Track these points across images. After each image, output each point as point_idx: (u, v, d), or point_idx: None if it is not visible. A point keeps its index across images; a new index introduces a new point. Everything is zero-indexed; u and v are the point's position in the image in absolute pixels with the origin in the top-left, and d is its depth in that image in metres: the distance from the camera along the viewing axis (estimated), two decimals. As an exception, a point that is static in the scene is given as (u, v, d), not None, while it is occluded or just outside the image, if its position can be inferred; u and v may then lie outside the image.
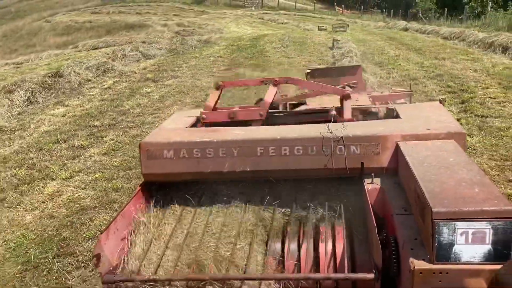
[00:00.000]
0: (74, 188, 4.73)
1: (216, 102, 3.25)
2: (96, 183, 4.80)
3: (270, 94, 3.10)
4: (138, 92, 8.74)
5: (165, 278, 2.18)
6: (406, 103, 3.81)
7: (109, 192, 4.54)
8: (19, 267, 3.44)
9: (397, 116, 2.85)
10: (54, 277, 3.27)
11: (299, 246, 2.24)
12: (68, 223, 4.01)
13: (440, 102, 3.09)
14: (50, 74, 9.31)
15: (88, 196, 4.50)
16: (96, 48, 17.80)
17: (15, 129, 7.01)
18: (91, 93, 8.97)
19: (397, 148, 2.28)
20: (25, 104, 8.17)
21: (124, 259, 2.34)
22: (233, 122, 3.09)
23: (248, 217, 2.49)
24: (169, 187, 2.71)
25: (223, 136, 2.59)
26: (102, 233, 2.23)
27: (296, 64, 10.59)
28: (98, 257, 2.19)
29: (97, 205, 4.28)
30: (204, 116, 3.11)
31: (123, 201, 4.30)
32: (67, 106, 8.18)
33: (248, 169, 2.49)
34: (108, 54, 12.25)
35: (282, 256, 2.23)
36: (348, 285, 2.14)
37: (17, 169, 5.38)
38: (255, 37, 17.43)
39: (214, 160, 2.51)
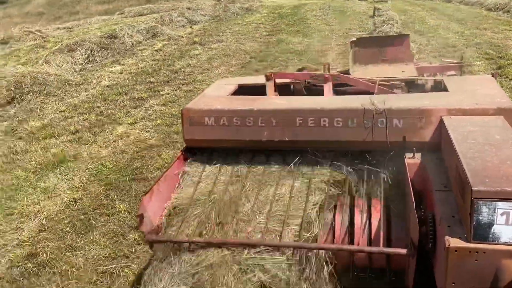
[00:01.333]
0: (140, 131, 5.42)
1: (275, 92, 3.14)
2: (158, 127, 5.46)
3: (328, 91, 2.98)
4: (187, 54, 9.33)
5: (203, 241, 2.25)
6: (456, 75, 3.68)
7: (170, 135, 5.19)
8: (102, 187, 4.16)
9: (445, 89, 2.76)
10: (132, 195, 3.97)
11: (334, 217, 2.25)
12: (139, 157, 4.70)
13: (493, 76, 2.96)
14: (106, 36, 10.03)
15: (153, 137, 5.18)
16: (142, 15, 18.42)
17: (79, 83, 7.79)
18: (143, 54, 9.64)
19: (442, 122, 2.19)
20: (85, 62, 8.94)
21: (165, 220, 2.43)
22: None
23: (284, 183, 2.49)
24: (209, 153, 2.76)
25: (262, 105, 2.61)
26: (145, 194, 2.34)
27: (336, 31, 10.85)
28: (141, 217, 2.28)
29: (162, 144, 4.94)
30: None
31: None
32: (123, 65, 8.89)
33: (286, 139, 2.50)
34: (156, 19, 12.87)
35: (317, 226, 2.23)
36: (381, 259, 2.14)
37: (87, 114, 6.14)
38: (295, 6, 17.58)
39: (253, 128, 2.53)
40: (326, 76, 3.04)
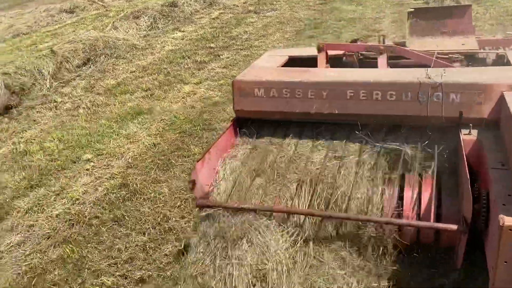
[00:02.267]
0: (205, 89, 5.92)
1: (326, 64, 3.11)
2: (221, 87, 5.93)
3: (382, 64, 2.92)
4: (243, 22, 9.69)
5: (251, 207, 2.31)
6: None
7: (233, 93, 5.66)
8: (177, 135, 4.70)
9: (507, 63, 2.65)
10: (204, 141, 4.49)
11: (384, 190, 2.23)
12: (206, 111, 5.20)
13: None
14: (166, 4, 10.56)
15: (217, 95, 5.66)
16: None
17: (145, 48, 8.38)
18: (201, 22, 10.10)
19: (502, 98, 2.09)
20: (148, 28, 9.52)
21: (216, 186, 2.52)
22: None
23: (331, 157, 2.49)
24: (259, 123, 2.81)
25: (313, 77, 2.58)
26: (197, 161, 2.43)
27: (391, 1, 10.80)
28: (193, 183, 2.37)
29: (226, 101, 5.41)
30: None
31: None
32: (183, 31, 9.40)
33: (336, 112, 2.46)
34: (211, -12, 13.23)
35: (365, 200, 2.23)
36: (430, 235, 2.11)
37: (156, 75, 6.72)
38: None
39: (303, 100, 2.51)
40: (381, 48, 2.96)
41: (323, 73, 2.69)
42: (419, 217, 2.10)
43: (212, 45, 8.09)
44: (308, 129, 2.72)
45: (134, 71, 7.04)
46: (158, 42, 8.66)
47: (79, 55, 7.47)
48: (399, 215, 2.14)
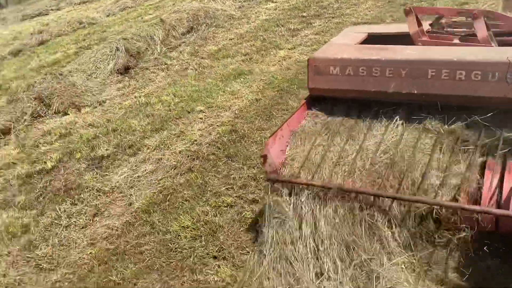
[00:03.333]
0: (299, 54, 6.33)
1: (419, 28, 2.95)
2: (314, 51, 6.30)
3: (480, 30, 2.69)
4: (333, -8, 9.88)
5: (320, 184, 2.33)
6: None
7: (327, 57, 6.02)
8: (276, 92, 5.20)
9: None
10: (301, 97, 4.93)
11: (463, 176, 2.13)
12: (301, 72, 5.62)
13: None
14: (259, -24, 11.02)
15: (311, 59, 6.05)
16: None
17: (241, 18, 8.96)
18: (292, -7, 10.45)
19: None
20: (243, 0, 10.08)
21: (287, 162, 2.55)
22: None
23: (408, 139, 2.42)
24: (333, 102, 2.78)
25: (391, 55, 2.48)
26: (269, 138, 2.50)
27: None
28: (264, 158, 2.44)
29: (320, 63, 5.79)
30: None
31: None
32: (275, 2, 9.80)
33: (415, 92, 2.35)
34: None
35: (440, 184, 2.14)
36: (509, 224, 2.00)
37: (253, 41, 7.25)
38: None
39: (380, 79, 2.42)
40: (476, 12, 2.68)
41: (403, 51, 2.54)
42: (498, 205, 2.00)
43: (304, 14, 8.42)
44: (384, 107, 2.62)
45: (232, 38, 7.64)
46: (252, 13, 9.18)
47: (183, 23, 8.24)
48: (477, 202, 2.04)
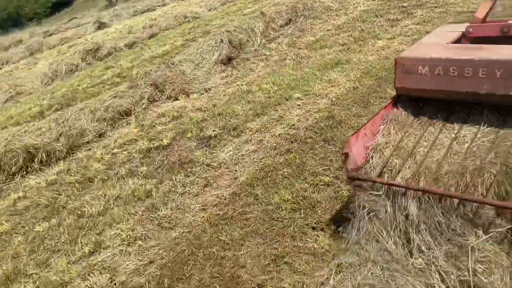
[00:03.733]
0: (398, 44, 6.31)
1: (487, 14, 2.93)
2: (415, 41, 6.23)
3: None
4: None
5: (402, 185, 2.29)
6: None
7: (427, 46, 5.93)
8: (373, 80, 5.29)
9: None
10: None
11: None
12: (400, 62, 5.64)
13: None
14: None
15: (410, 49, 6.01)
16: None
17: (338, 9, 9.07)
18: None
19: None
20: (341, -9, 10.14)
21: (368, 161, 2.53)
22: (506, 37, 2.78)
23: (500, 144, 2.32)
24: (419, 103, 2.73)
25: (486, 55, 2.36)
26: (352, 135, 2.49)
27: None
28: (346, 155, 2.43)
29: (420, 53, 5.74)
30: (470, 29, 2.89)
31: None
32: (374, -7, 9.75)
33: (511, 94, 2.24)
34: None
35: None
36: None
37: (350, 32, 7.35)
38: None
39: (472, 80, 2.33)
40: None
41: (500, 51, 2.40)
42: None
43: (404, 4, 8.28)
44: (474, 111, 2.53)
45: (330, 29, 7.81)
46: (350, 4, 9.22)
47: (282, 16, 8.58)
48: None
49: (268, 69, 6.70)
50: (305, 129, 4.58)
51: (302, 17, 8.63)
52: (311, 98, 5.28)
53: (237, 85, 6.41)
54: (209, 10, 13.48)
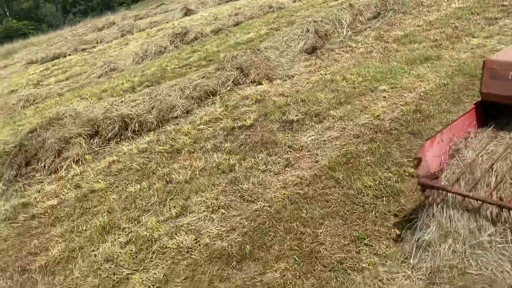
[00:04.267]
0: (495, 43, 5.96)
1: None
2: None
3: None
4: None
5: (477, 198, 2.14)
6: None
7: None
8: (465, 79, 5.07)
9: None
10: (495, 86, 4.75)
11: None
12: (498, 61, 5.35)
13: None
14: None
15: None
16: None
17: (431, 5, 8.72)
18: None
19: None
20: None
21: (443, 169, 2.38)
22: None
23: None
24: (508, 111, 2.54)
25: None
26: (427, 140, 2.37)
27: None
28: (419, 160, 2.31)
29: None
30: None
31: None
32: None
33: None
34: None
35: None
36: None
37: (443, 28, 7.07)
38: None
39: None
40: None
41: None
42: None
43: (505, 3, 7.77)
44: None
45: (420, 25, 7.55)
46: (444, 0, 8.83)
47: (371, 9, 8.44)
48: None
49: (353, 61, 6.66)
50: (390, 120, 4.53)
51: (392, 11, 8.42)
52: (397, 91, 5.19)
53: (321, 74, 6.45)
54: (294, 2, 13.55)
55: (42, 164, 5.22)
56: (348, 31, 7.88)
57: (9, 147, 5.24)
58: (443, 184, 2.39)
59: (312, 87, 5.98)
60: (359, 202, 3.38)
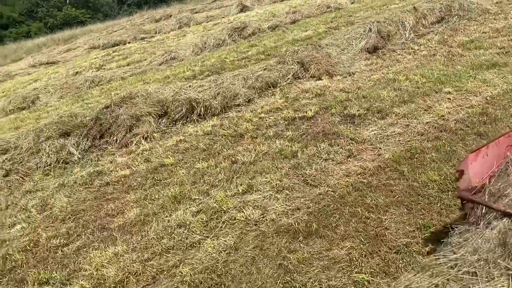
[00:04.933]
0: None
1: None
2: None
3: None
4: None
5: None
6: None
7: None
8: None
9: None
10: None
11: None
12: None
13: None
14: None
15: None
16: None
17: (497, 13, 8.55)
18: None
19: None
20: (502, -5, 9.50)
21: (486, 184, 2.33)
22: None
23: None
24: None
25: None
26: (471, 152, 2.34)
27: None
28: (461, 172, 2.29)
29: None
30: None
31: None
32: (542, -1, 8.98)
33: None
34: None
35: None
36: None
37: (511, 36, 6.95)
38: None
39: None
40: None
41: None
42: None
43: None
44: None
45: (486, 32, 7.44)
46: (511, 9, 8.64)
47: (435, 14, 8.37)
48: None
49: (416, 62, 6.67)
50: (455, 121, 4.57)
51: (456, 16, 8.32)
52: (462, 94, 5.20)
53: (383, 73, 6.51)
54: (352, 3, 13.54)
55: (114, 138, 5.60)
56: (410, 33, 7.87)
57: (87, 120, 5.67)
58: (485, 199, 2.34)
59: (374, 85, 6.06)
60: (424, 194, 3.48)
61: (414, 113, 4.93)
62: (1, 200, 4.93)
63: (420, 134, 4.46)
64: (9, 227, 4.41)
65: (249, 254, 3.21)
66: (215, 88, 6.20)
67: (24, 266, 3.67)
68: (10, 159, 5.42)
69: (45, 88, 10.42)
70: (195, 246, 3.42)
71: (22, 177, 5.28)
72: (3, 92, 13.14)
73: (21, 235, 4.16)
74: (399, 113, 5.00)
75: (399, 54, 7.24)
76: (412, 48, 7.37)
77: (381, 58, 7.25)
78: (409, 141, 4.38)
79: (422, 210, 3.30)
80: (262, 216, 3.63)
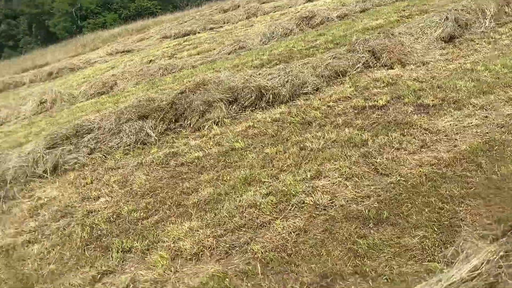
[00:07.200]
0: None
1: None
2: None
3: None
4: None
5: None
6: None
7: None
8: None
9: None
10: None
11: None
12: None
13: None
14: None
15: None
16: None
17: None
18: None
19: None
20: None
21: None
22: None
23: None
24: None
25: None
26: None
27: None
28: None
29: None
30: None
31: None
32: None
33: None
34: None
35: None
36: None
37: None
38: None
39: None
40: None
41: None
42: None
43: None
44: None
45: None
46: None
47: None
48: None
49: (496, 52, 6.31)
50: (539, 115, 4.31)
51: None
52: (547, 87, 4.87)
53: (459, 63, 6.23)
54: (427, -9, 12.94)
55: (188, 122, 5.89)
56: (491, 22, 7.43)
57: (163, 104, 6.00)
58: None
59: (450, 75, 5.83)
60: (504, 187, 3.34)
61: (493, 105, 4.70)
62: (86, 175, 5.38)
63: (500, 126, 4.26)
64: (94, 199, 4.82)
65: (318, 237, 3.28)
66: (284, 76, 6.27)
67: (109, 235, 4.01)
68: (94, 138, 5.88)
69: (122, 75, 11.08)
70: (265, 226, 3.55)
71: (104, 155, 5.71)
72: (84, 78, 14.15)
73: (105, 208, 4.53)
74: (476, 104, 4.79)
75: (477, 44, 6.87)
76: (492, 37, 6.96)
77: (458, 48, 6.93)
78: (487, 133, 4.20)
79: (502, 203, 3.18)
80: (330, 201, 3.68)
